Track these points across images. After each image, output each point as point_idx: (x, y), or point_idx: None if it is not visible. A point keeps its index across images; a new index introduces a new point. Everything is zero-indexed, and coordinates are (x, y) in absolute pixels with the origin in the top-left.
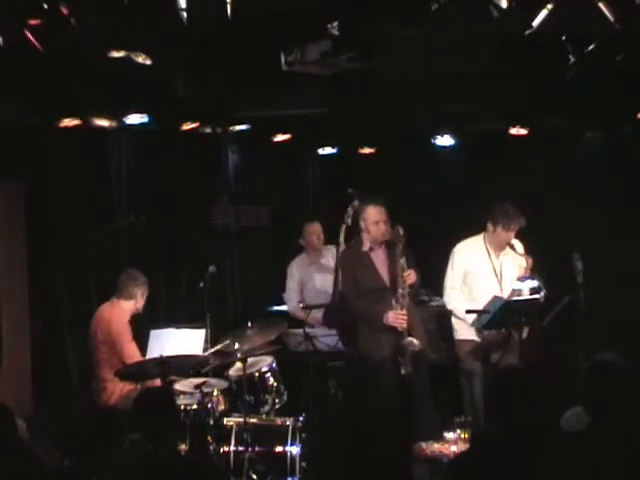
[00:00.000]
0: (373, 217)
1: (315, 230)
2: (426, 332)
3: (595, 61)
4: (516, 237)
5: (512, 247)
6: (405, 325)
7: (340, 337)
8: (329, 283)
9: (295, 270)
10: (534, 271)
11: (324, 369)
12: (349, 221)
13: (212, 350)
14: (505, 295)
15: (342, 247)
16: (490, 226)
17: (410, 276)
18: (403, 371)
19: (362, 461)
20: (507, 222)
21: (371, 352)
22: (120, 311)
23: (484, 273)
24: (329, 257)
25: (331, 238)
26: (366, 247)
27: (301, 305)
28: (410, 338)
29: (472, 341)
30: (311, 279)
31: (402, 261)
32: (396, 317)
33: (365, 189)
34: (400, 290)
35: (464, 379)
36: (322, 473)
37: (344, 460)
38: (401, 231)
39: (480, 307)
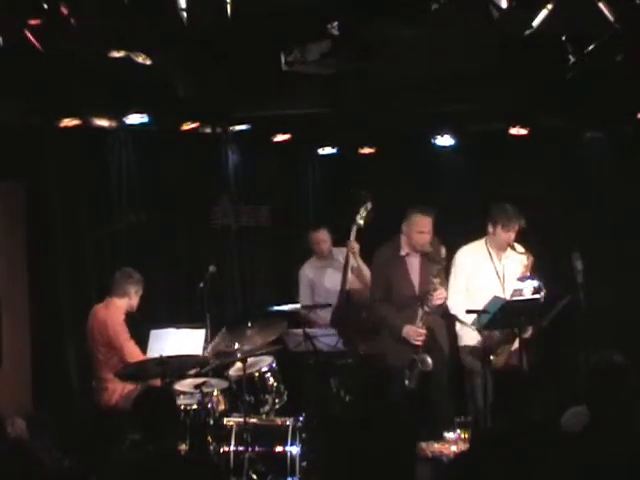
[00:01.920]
0: (418, 226)
1: (321, 238)
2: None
3: (595, 61)
4: (516, 240)
5: (512, 247)
6: (421, 343)
7: (345, 338)
8: (338, 287)
9: (306, 274)
10: (534, 271)
11: (324, 369)
12: (361, 222)
13: (210, 348)
14: (507, 297)
15: (352, 245)
16: (490, 227)
17: (440, 296)
18: (407, 383)
19: (366, 461)
20: (506, 222)
21: (389, 358)
22: (114, 310)
23: (486, 275)
24: (340, 259)
25: (332, 238)
26: (403, 252)
27: (302, 306)
28: (425, 356)
29: (476, 347)
30: (321, 281)
31: (436, 281)
32: (415, 334)
33: (365, 189)
34: (426, 308)
35: (468, 385)
36: (324, 472)
37: (348, 459)
38: (443, 252)
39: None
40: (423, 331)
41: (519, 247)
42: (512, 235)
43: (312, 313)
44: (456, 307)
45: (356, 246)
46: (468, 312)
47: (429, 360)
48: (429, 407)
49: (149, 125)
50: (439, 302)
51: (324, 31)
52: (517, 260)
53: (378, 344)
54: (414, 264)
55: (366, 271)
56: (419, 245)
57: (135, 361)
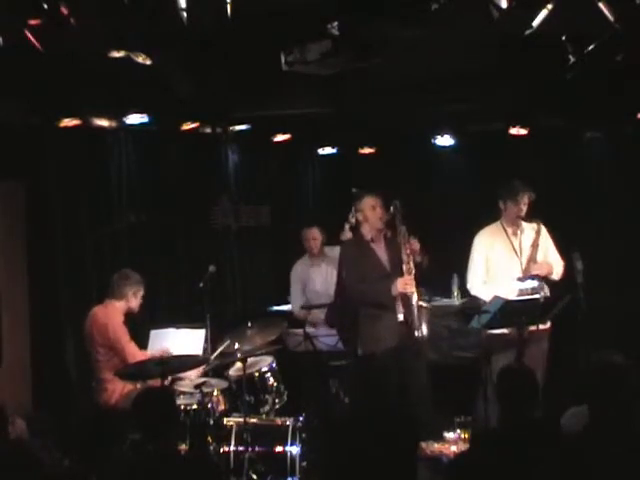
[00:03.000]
0: (369, 203)
1: (312, 235)
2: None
3: (595, 61)
4: (528, 213)
5: (523, 219)
6: (414, 289)
7: (340, 336)
8: (330, 284)
9: (297, 272)
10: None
11: (324, 369)
12: (353, 220)
13: (215, 354)
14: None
15: (348, 237)
16: (501, 205)
17: (413, 243)
18: (417, 333)
19: (366, 461)
20: (514, 195)
21: (373, 346)
22: (114, 312)
23: (503, 253)
24: (333, 258)
25: (331, 237)
26: (367, 237)
27: (301, 305)
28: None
29: (501, 334)
30: (312, 280)
31: (403, 229)
32: (404, 282)
33: (367, 189)
34: (405, 257)
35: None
36: (324, 472)
37: (348, 459)
38: (398, 203)
39: (502, 288)
40: (411, 276)
41: (531, 224)
42: (523, 208)
43: (305, 313)
44: (477, 289)
45: (350, 235)
46: (469, 312)
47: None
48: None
49: (149, 125)
50: (414, 248)
51: (324, 31)
52: (533, 232)
53: (362, 337)
54: (380, 247)
55: None
56: (377, 220)
57: (135, 361)
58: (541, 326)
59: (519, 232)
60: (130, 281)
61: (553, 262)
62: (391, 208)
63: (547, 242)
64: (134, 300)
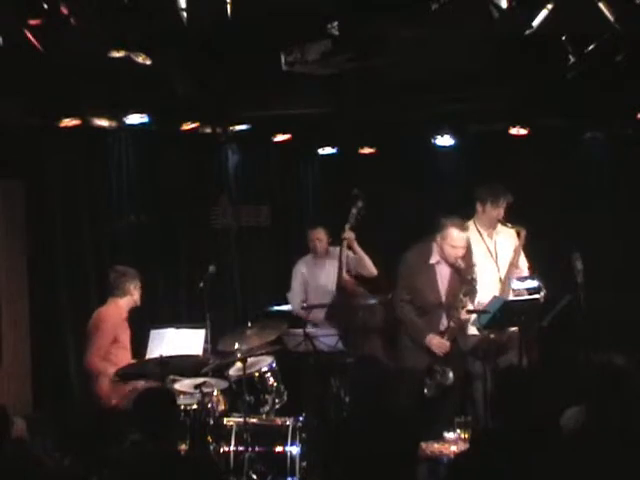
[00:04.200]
0: (452, 241)
1: (317, 236)
2: None
3: (595, 61)
4: (505, 216)
5: (503, 223)
6: (442, 356)
7: (341, 337)
8: (332, 284)
9: (300, 270)
10: (527, 244)
11: (324, 369)
12: (353, 221)
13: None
14: (503, 274)
15: (347, 235)
16: (479, 207)
17: (464, 315)
18: (426, 392)
19: (366, 461)
20: (495, 198)
21: (406, 361)
22: (118, 310)
23: (478, 256)
24: (335, 259)
25: (331, 238)
26: (434, 259)
27: (304, 305)
28: (447, 369)
29: (474, 336)
30: (315, 280)
31: (465, 299)
32: (439, 346)
33: (367, 189)
34: (452, 324)
35: (465, 376)
36: (324, 472)
37: (348, 459)
38: (475, 272)
39: (480, 290)
40: (448, 344)
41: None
42: (501, 211)
43: (305, 311)
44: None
45: (351, 235)
46: (468, 312)
47: (450, 374)
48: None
49: (149, 125)
50: (465, 317)
51: (324, 31)
52: (508, 235)
53: (396, 345)
54: (443, 273)
55: (367, 260)
56: (451, 258)
57: (135, 361)
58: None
59: (494, 234)
60: (128, 276)
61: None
62: (465, 274)
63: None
64: (136, 293)
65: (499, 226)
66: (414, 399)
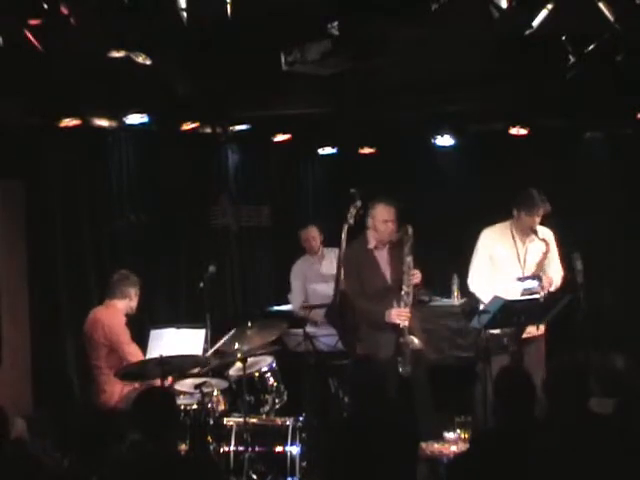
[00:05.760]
0: (382, 216)
1: (310, 235)
2: (425, 332)
3: (595, 61)
4: (542, 224)
5: (535, 232)
6: (407, 323)
7: (340, 337)
8: (330, 284)
9: (298, 270)
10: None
11: (324, 369)
12: (351, 221)
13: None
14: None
15: (344, 247)
16: (515, 212)
17: (416, 276)
18: (401, 370)
19: (366, 461)
20: (531, 207)
21: (372, 352)
22: (116, 312)
23: (507, 258)
24: (332, 259)
25: (332, 238)
26: (371, 245)
27: (303, 305)
28: (411, 337)
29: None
30: (313, 280)
31: (409, 260)
32: (399, 314)
33: (365, 189)
34: (405, 288)
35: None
36: (324, 472)
37: (349, 459)
38: (410, 230)
39: (501, 292)
40: (407, 310)
41: (543, 232)
42: (537, 220)
43: (305, 311)
44: (476, 286)
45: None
46: (468, 313)
47: (416, 340)
48: (421, 391)
49: (149, 125)
50: (416, 281)
51: (324, 31)
52: (541, 246)
53: (362, 341)
54: (383, 256)
55: None
56: (387, 235)
57: (135, 361)
58: (535, 332)
59: (527, 241)
60: (130, 281)
61: (553, 272)
62: (402, 233)
63: (554, 252)
64: (135, 300)
65: (533, 235)
66: (394, 386)
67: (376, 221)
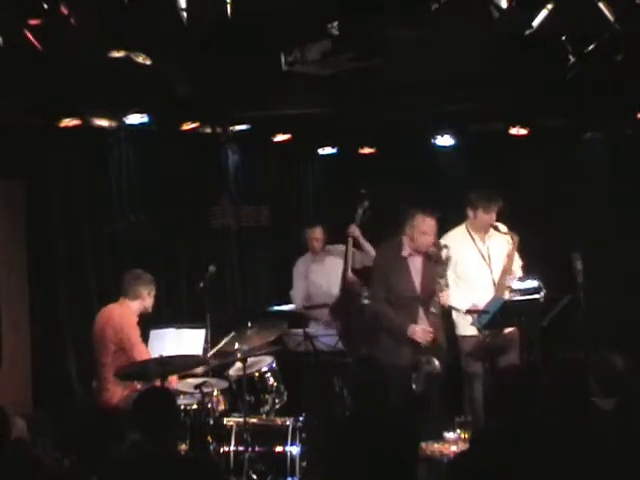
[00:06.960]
0: (422, 227)
1: (315, 235)
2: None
3: (595, 61)
4: (497, 220)
5: (495, 228)
6: (428, 343)
7: (340, 337)
8: (333, 282)
9: (300, 268)
10: (521, 250)
11: (324, 369)
12: (359, 221)
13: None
14: (496, 277)
15: (352, 230)
16: (470, 212)
17: (444, 298)
18: (414, 387)
19: (367, 461)
20: (486, 204)
21: (388, 359)
22: (129, 312)
23: (472, 260)
24: (334, 256)
25: (332, 237)
26: (405, 252)
27: (305, 304)
28: (431, 357)
29: (473, 337)
30: (315, 278)
31: (442, 282)
32: (423, 333)
33: (365, 188)
34: (432, 309)
35: (464, 377)
36: (324, 472)
37: (349, 460)
38: (447, 253)
39: (473, 295)
40: (431, 329)
41: (502, 227)
42: (494, 216)
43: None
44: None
45: (356, 230)
46: (468, 312)
47: (436, 362)
48: (429, 408)
49: (149, 125)
50: (444, 303)
51: (324, 31)
52: (501, 239)
53: (378, 344)
54: (416, 265)
55: (374, 252)
56: (423, 247)
57: (135, 361)
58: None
59: (486, 238)
60: (142, 280)
61: (516, 267)
62: (442, 253)
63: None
64: (149, 299)
65: (491, 230)
66: (403, 396)
67: (415, 231)
